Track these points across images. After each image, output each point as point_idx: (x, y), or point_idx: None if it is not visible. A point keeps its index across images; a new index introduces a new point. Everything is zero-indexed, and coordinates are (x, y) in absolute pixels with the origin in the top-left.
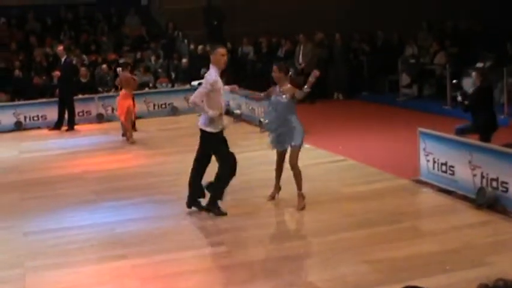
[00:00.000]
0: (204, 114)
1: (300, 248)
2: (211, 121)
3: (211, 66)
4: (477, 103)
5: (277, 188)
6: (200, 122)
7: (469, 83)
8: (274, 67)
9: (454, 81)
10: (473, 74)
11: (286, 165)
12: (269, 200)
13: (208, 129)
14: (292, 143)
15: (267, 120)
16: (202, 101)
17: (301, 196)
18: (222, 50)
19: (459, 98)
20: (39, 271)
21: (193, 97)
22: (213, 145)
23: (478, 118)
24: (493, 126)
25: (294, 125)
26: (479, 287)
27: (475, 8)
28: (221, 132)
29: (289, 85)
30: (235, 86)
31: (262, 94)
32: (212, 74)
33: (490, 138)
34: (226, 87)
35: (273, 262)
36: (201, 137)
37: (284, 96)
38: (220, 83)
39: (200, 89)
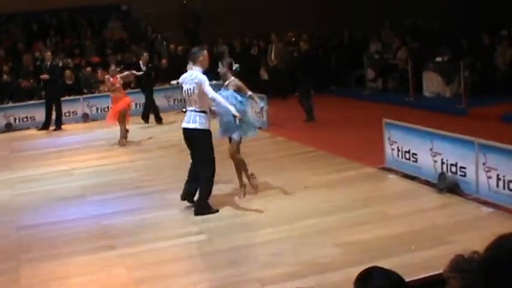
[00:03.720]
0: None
1: (275, 234)
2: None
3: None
4: (302, 62)
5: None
6: (199, 122)
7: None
8: (219, 63)
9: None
10: (301, 42)
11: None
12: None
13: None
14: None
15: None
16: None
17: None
18: (206, 52)
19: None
20: (32, 263)
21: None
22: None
23: (301, 74)
24: (310, 81)
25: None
26: (456, 257)
27: (433, 7)
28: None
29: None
30: None
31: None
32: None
33: (310, 96)
34: None
35: (249, 248)
36: (198, 137)
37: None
38: None
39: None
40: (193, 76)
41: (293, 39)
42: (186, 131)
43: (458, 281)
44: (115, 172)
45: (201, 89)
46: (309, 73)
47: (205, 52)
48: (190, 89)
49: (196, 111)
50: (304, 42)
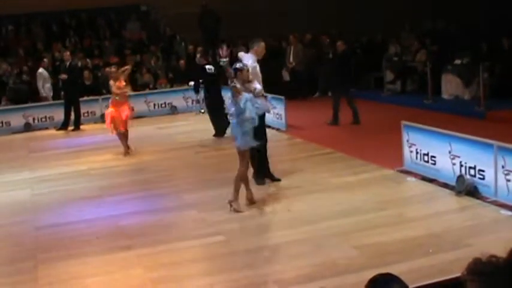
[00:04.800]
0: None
1: (292, 236)
2: None
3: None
4: (340, 63)
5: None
6: None
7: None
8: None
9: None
10: (338, 43)
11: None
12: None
13: None
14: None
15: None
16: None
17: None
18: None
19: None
20: (51, 263)
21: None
22: None
23: (339, 76)
24: (348, 83)
25: None
26: (474, 260)
27: (453, 10)
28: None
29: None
30: None
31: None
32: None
33: (348, 95)
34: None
35: (267, 250)
36: None
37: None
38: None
39: None
40: None
41: (328, 40)
42: None
43: (476, 284)
44: (133, 173)
45: None
46: (347, 75)
47: (262, 44)
48: None
49: None
50: (341, 43)
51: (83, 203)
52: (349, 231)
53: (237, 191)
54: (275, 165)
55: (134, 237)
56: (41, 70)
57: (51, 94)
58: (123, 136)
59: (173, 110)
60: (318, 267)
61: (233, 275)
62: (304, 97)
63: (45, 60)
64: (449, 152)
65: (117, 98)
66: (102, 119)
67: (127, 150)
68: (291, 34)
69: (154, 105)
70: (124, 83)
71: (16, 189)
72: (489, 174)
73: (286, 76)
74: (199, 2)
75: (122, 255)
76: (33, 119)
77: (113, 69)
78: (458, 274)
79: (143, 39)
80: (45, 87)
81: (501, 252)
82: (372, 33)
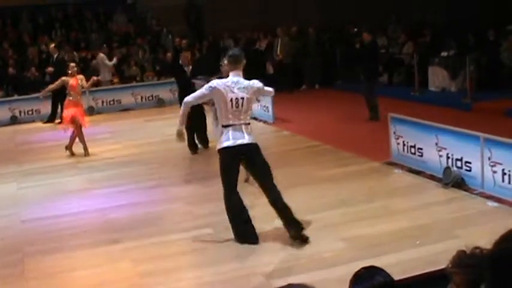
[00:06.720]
0: None
1: (281, 229)
2: None
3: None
4: (366, 54)
5: None
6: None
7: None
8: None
9: None
10: (364, 34)
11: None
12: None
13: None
14: None
15: None
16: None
17: None
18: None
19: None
20: (37, 256)
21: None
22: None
23: (366, 66)
24: (376, 75)
25: None
26: (458, 252)
27: (439, 2)
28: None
29: None
30: None
31: None
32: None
33: (373, 87)
34: None
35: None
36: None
37: None
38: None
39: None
40: (244, 84)
41: (355, 29)
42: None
43: (461, 277)
44: (120, 165)
45: (258, 95)
46: (374, 66)
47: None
48: (243, 99)
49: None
50: (367, 33)
51: (70, 196)
52: (336, 223)
53: None
54: None
55: (122, 230)
56: (102, 55)
57: (110, 79)
58: (82, 134)
59: (160, 103)
60: (305, 259)
61: (221, 268)
62: (289, 90)
63: (104, 45)
64: (436, 144)
65: (70, 98)
66: (88, 111)
67: (87, 150)
68: (278, 27)
69: (142, 97)
70: (78, 82)
71: (2, 183)
72: (476, 166)
73: (270, 69)
74: None
75: (110, 248)
76: (20, 112)
77: (72, 64)
78: (445, 265)
79: (130, 32)
80: (105, 72)
81: (488, 243)
82: (359, 25)
